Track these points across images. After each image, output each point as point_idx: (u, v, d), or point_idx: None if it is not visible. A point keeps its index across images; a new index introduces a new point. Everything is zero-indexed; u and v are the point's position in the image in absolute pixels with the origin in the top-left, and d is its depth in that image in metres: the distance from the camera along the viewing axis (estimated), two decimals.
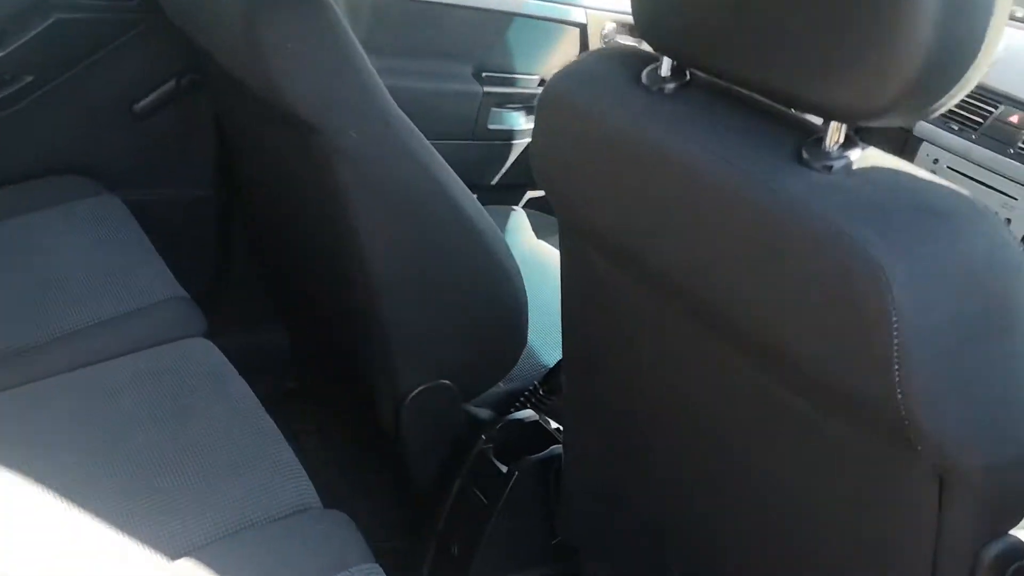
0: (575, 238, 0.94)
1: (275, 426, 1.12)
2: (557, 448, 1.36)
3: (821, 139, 0.69)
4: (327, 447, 1.82)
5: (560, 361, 1.51)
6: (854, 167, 0.68)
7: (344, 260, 1.30)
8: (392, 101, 1.22)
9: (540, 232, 1.88)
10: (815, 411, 0.72)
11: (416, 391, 1.38)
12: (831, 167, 0.68)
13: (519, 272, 1.38)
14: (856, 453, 0.72)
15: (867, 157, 0.68)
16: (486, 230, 1.31)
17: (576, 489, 1.21)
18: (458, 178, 1.28)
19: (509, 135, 2.01)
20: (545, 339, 1.61)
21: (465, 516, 1.39)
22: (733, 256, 0.70)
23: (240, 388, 1.18)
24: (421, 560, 1.45)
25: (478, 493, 1.38)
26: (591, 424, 1.12)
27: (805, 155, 0.69)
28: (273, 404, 1.94)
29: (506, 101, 2.00)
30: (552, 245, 1.85)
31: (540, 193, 2.20)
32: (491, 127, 2.00)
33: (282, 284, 1.82)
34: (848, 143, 0.69)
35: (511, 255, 1.36)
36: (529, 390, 1.51)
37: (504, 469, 1.36)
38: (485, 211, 1.33)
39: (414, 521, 1.63)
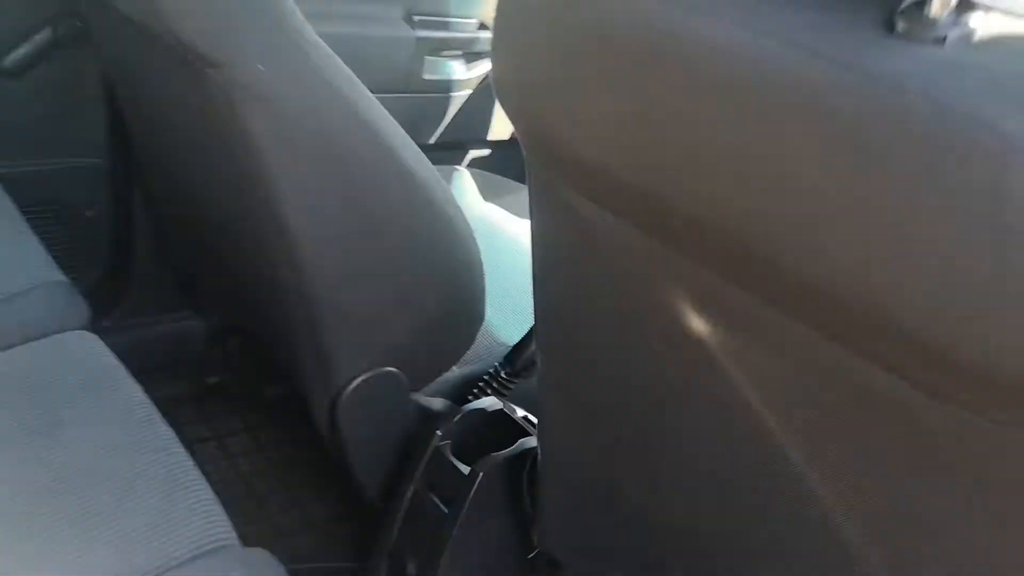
0: (553, 178, 0.72)
1: (176, 439, 0.89)
2: (529, 441, 1.14)
3: (922, 3, 0.48)
4: (257, 450, 1.58)
5: (525, 338, 1.29)
6: (976, 38, 0.47)
7: (263, 227, 1.07)
8: (311, 30, 0.98)
9: (488, 194, 1.66)
10: (923, 397, 0.51)
11: (355, 382, 1.15)
12: (943, 38, 0.47)
13: (472, 235, 1.16)
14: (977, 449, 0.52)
15: (991, 24, 0.48)
16: (432, 184, 1.08)
17: (557, 490, 1.00)
18: (397, 125, 1.06)
19: (447, 86, 1.78)
20: (503, 313, 1.39)
21: (422, 528, 1.17)
22: (815, 184, 0.49)
23: (131, 392, 0.94)
24: None
25: (436, 500, 1.16)
26: (575, 410, 0.90)
27: (901, 25, 0.48)
28: (192, 403, 1.72)
29: (442, 48, 1.77)
30: (502, 207, 1.63)
31: (484, 152, 1.97)
32: (426, 77, 1.77)
33: (195, 264, 1.57)
34: (963, 5, 0.48)
35: (462, 215, 1.14)
36: (488, 374, 1.29)
37: (465, 470, 1.14)
38: (430, 163, 1.10)
39: (362, 536, 1.40)
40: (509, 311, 1.39)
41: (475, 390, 1.30)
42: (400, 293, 1.12)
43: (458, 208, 1.14)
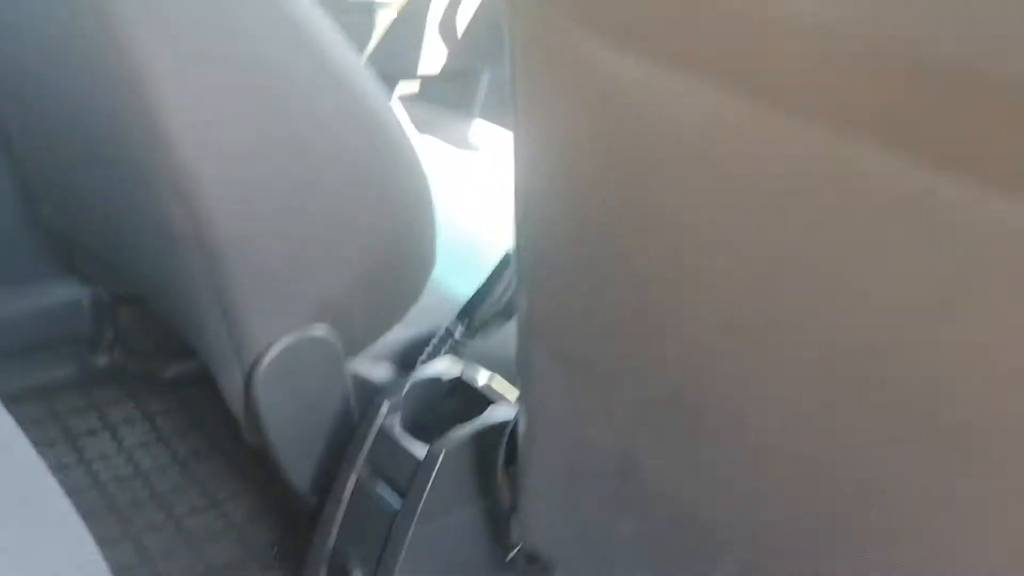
0: (561, 24, 0.50)
1: (33, 452, 0.63)
2: (499, 410, 0.92)
3: None
4: (159, 441, 1.33)
5: (482, 289, 1.07)
6: None
7: (147, 157, 0.82)
8: None
9: (426, 127, 1.42)
10: None
11: (274, 349, 0.92)
12: None
13: (420, 161, 0.93)
14: None
15: None
16: (372, 94, 0.85)
17: (545, 470, 0.79)
18: (330, 25, 0.83)
19: (369, 5, 1.53)
20: (451, 263, 1.16)
21: (369, 526, 0.94)
22: None
23: None
24: None
25: (383, 492, 0.94)
26: (571, 364, 0.69)
27: None
28: (78, 390, 1.46)
29: None
30: (444, 141, 1.40)
31: (414, 87, 1.73)
32: None
33: (71, 222, 1.30)
34: None
35: (407, 137, 0.91)
36: (440, 335, 1.07)
37: (421, 451, 0.91)
38: (366, 68, 0.87)
39: (292, 540, 1.17)
40: (458, 260, 1.17)
41: (424, 355, 1.08)
42: (332, 234, 0.89)
43: (402, 127, 0.91)
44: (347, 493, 0.96)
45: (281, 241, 0.85)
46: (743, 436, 0.57)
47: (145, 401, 1.39)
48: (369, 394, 1.05)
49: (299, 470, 1.03)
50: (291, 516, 1.19)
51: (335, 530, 0.97)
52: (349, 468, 0.96)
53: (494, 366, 1.18)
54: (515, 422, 0.87)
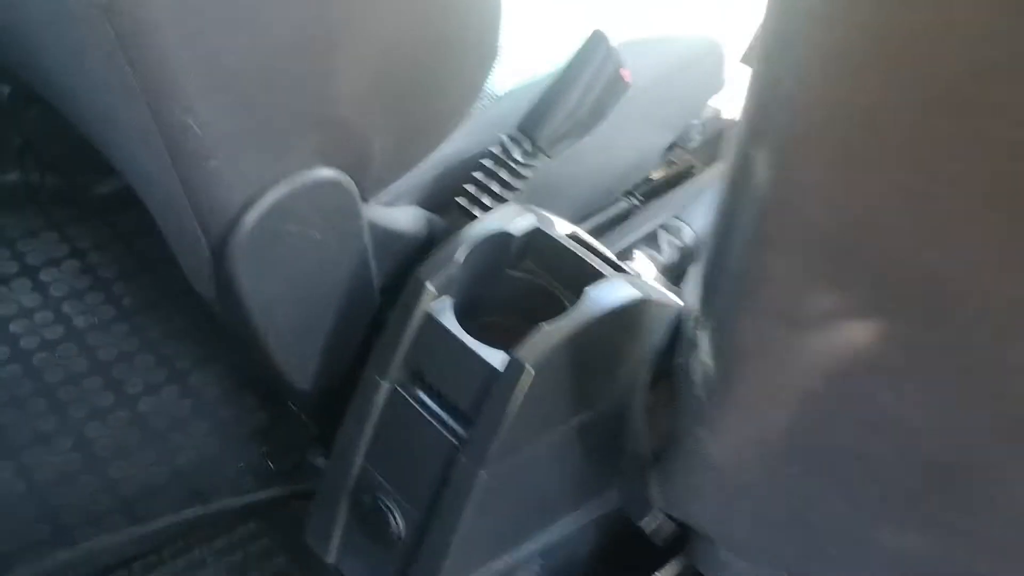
0: None
1: None
2: (618, 293, 0.61)
3: None
4: (96, 288, 0.99)
5: (553, 90, 0.72)
6: None
7: None
8: None
9: None
10: None
11: (258, 208, 0.57)
12: None
13: None
14: None
15: None
16: None
17: (745, 421, 0.47)
18: None
19: None
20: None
21: (412, 457, 0.64)
22: None
23: None
24: (324, 542, 0.71)
25: (433, 411, 0.63)
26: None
27: None
28: None
29: None
30: None
31: None
32: None
33: None
34: None
35: None
36: (492, 157, 0.73)
37: (494, 359, 0.60)
38: None
39: (288, 428, 0.87)
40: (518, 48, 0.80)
41: (462, 195, 0.74)
42: (347, 16, 0.52)
43: None
44: (376, 407, 0.65)
45: (262, 32, 0.49)
46: None
47: (71, 231, 1.05)
48: (395, 255, 0.72)
49: (297, 365, 0.71)
50: (279, 396, 0.88)
51: (359, 456, 0.67)
52: (378, 371, 0.64)
53: (570, 205, 0.86)
54: (675, 322, 0.55)
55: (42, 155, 1.04)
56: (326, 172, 0.59)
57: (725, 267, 0.39)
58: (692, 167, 1.13)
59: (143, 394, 0.90)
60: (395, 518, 0.66)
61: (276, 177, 0.56)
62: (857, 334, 0.37)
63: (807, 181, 0.33)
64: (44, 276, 0.99)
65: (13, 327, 0.94)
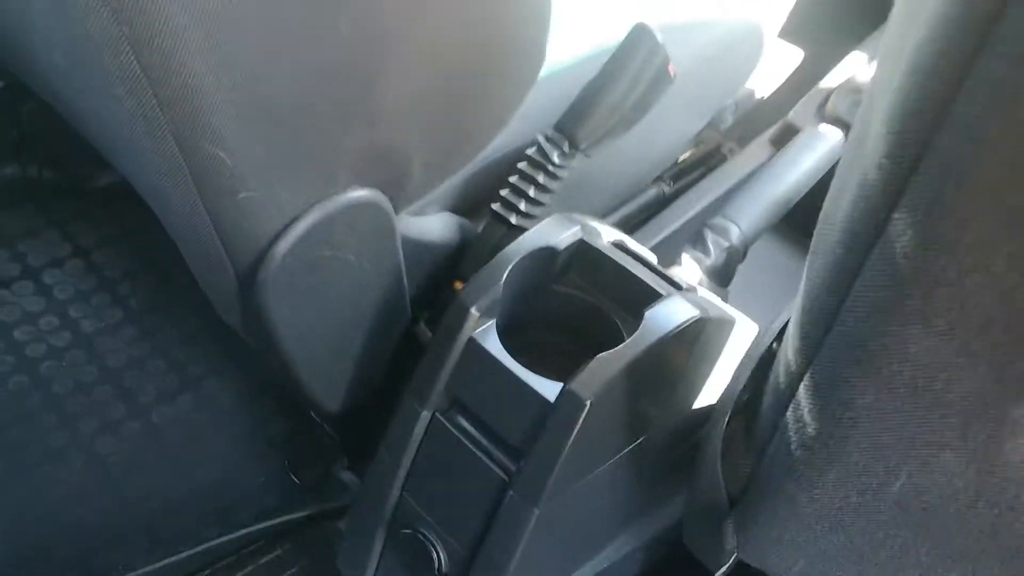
0: None
1: None
2: (678, 311, 0.56)
3: None
4: (103, 288, 0.95)
5: (594, 85, 0.67)
6: None
7: None
8: None
9: None
10: None
11: (289, 237, 0.52)
12: None
13: None
14: None
15: None
16: None
17: (850, 475, 0.43)
18: None
19: None
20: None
21: (456, 490, 0.60)
22: None
23: None
24: (358, 571, 0.67)
25: (479, 443, 0.59)
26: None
27: None
28: None
29: None
30: None
31: None
32: None
33: None
34: None
35: None
36: (531, 159, 0.68)
37: (549, 389, 0.56)
38: None
39: (311, 445, 0.84)
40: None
41: (496, 200, 0.69)
42: (388, 24, 0.47)
43: None
44: (415, 436, 0.61)
45: (306, 57, 0.44)
46: None
47: (72, 228, 1.00)
48: (427, 265, 0.67)
49: (326, 385, 0.67)
50: (299, 404, 0.84)
51: (397, 486, 0.63)
52: (418, 399, 0.60)
53: (602, 198, 0.82)
54: (763, 347, 0.51)
55: (40, 149, 0.98)
56: (361, 193, 0.54)
57: (847, 332, 0.35)
58: (720, 146, 1.08)
59: (156, 404, 0.86)
60: (437, 552, 0.62)
61: (309, 203, 0.51)
62: (999, 411, 0.33)
63: (979, 263, 0.29)
64: (47, 278, 0.94)
65: (18, 334, 0.89)
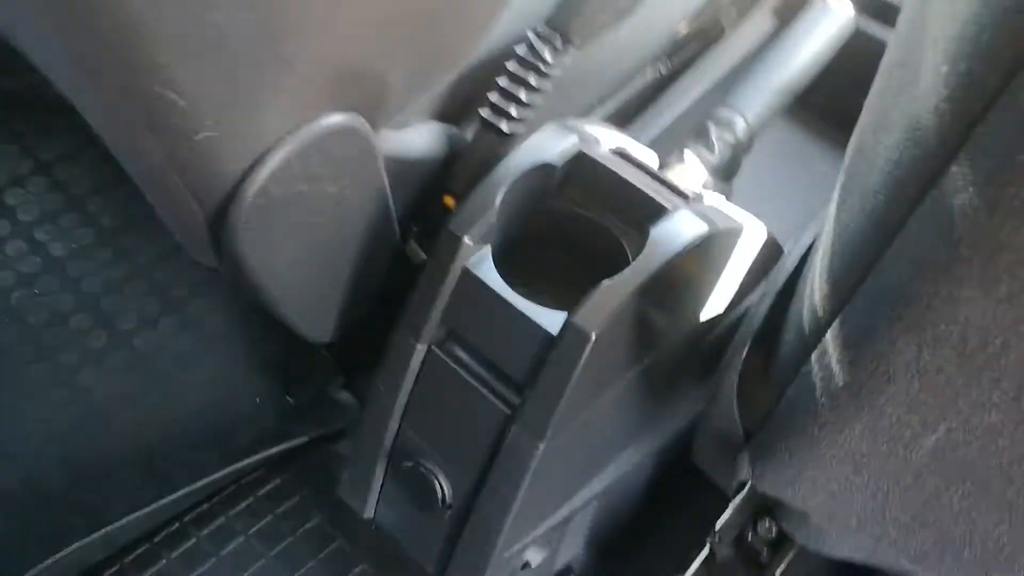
0: None
1: None
2: (689, 230, 0.52)
3: None
4: (72, 208, 0.90)
5: None
6: None
7: None
8: None
9: None
10: None
11: (273, 161, 0.47)
12: None
13: None
14: None
15: None
16: None
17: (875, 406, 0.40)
18: None
19: None
20: None
21: (456, 424, 0.58)
22: None
23: None
24: (360, 499, 0.65)
25: (478, 376, 0.56)
26: None
27: None
28: None
29: None
30: None
31: None
32: None
33: None
34: None
35: None
36: (520, 59, 0.62)
37: (551, 320, 0.52)
38: None
39: (304, 363, 0.80)
40: None
41: (484, 105, 0.63)
42: None
43: None
44: (410, 371, 0.58)
45: None
46: None
47: (31, 142, 0.93)
48: (413, 182, 0.63)
49: (315, 318, 0.63)
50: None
51: (395, 419, 0.60)
52: (412, 333, 0.56)
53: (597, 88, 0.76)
54: (784, 273, 0.47)
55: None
56: (336, 118, 0.49)
57: (884, 286, 0.31)
58: (717, 20, 1.01)
59: (138, 330, 0.82)
60: (440, 484, 0.60)
61: (279, 136, 0.46)
62: None
63: None
64: (9, 198, 0.89)
65: None
